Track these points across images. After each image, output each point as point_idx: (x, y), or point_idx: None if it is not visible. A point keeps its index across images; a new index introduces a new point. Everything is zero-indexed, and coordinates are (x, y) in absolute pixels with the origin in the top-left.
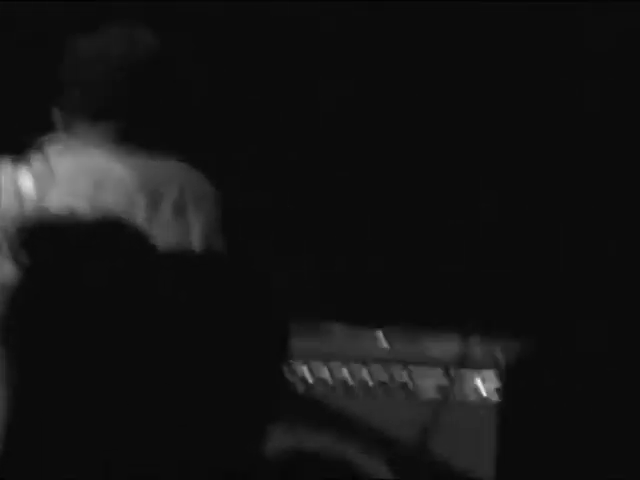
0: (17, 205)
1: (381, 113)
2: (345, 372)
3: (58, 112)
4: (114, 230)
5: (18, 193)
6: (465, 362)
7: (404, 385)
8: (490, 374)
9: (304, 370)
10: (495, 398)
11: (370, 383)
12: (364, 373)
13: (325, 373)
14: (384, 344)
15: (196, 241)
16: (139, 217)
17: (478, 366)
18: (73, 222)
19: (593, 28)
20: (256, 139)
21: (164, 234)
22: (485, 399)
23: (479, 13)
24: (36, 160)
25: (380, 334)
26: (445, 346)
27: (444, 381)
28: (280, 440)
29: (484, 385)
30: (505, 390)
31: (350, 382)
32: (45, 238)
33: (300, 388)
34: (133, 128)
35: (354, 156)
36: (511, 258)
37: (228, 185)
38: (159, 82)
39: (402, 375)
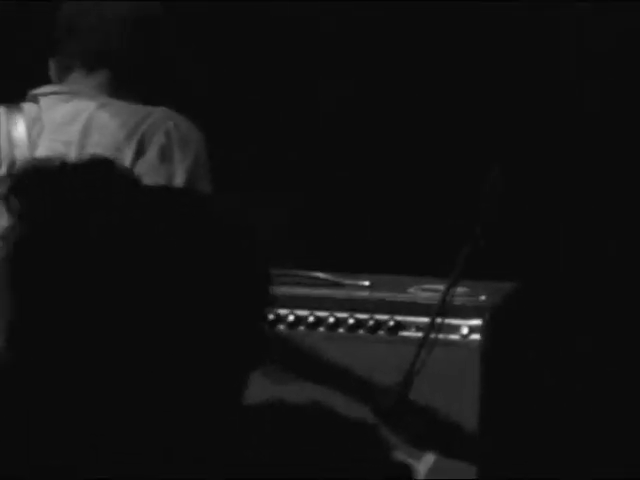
0: (8, 150)
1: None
2: (331, 318)
3: (53, 63)
4: (102, 174)
5: (10, 138)
6: (450, 306)
7: (389, 329)
8: (474, 317)
9: (290, 316)
10: (478, 339)
11: (355, 328)
12: (350, 319)
13: (310, 319)
14: (370, 290)
15: (180, 185)
16: (125, 162)
17: (463, 309)
18: (62, 167)
19: (593, 28)
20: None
21: (149, 178)
22: (468, 341)
23: (479, 13)
24: (29, 108)
25: (366, 281)
26: (430, 291)
27: (428, 325)
28: (264, 387)
29: (468, 327)
30: (488, 332)
31: (336, 327)
32: (36, 184)
33: (285, 334)
34: (124, 79)
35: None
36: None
37: (215, 132)
38: (153, 35)
39: (387, 320)
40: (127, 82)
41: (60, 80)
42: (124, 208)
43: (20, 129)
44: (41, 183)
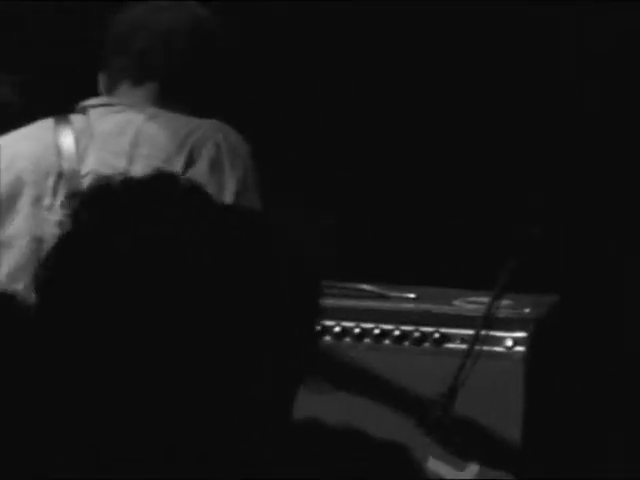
0: (56, 161)
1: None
2: (377, 330)
3: (103, 77)
4: (167, 190)
5: (58, 150)
6: (494, 318)
7: (434, 341)
8: (518, 329)
9: (336, 328)
10: (523, 351)
11: (401, 340)
12: (395, 330)
13: (356, 331)
14: (416, 302)
15: (229, 197)
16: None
17: (507, 322)
18: (127, 182)
19: (593, 28)
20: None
21: None
22: (513, 353)
23: (480, 13)
24: (77, 120)
25: (412, 293)
26: (475, 303)
27: (473, 337)
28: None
29: (512, 340)
30: (532, 344)
31: (381, 339)
32: (103, 199)
33: (332, 345)
34: (172, 91)
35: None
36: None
37: (260, 144)
38: (199, 51)
39: (432, 332)
40: (175, 94)
41: (109, 93)
42: (188, 222)
43: (68, 140)
44: (108, 199)
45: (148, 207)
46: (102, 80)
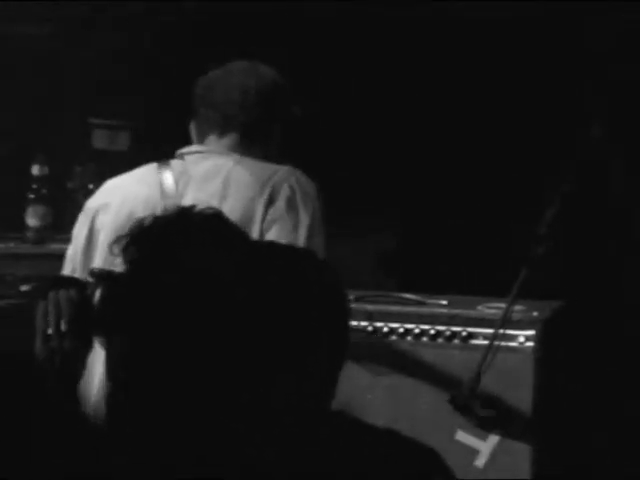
0: (160, 200)
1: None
2: (416, 329)
3: (194, 128)
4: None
5: (162, 190)
6: (509, 320)
7: (462, 338)
8: (529, 328)
9: (384, 328)
10: (532, 346)
11: (436, 337)
12: (431, 330)
13: (400, 330)
14: (447, 307)
15: (303, 230)
16: (259, 211)
17: (520, 322)
18: (176, 222)
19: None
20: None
21: (279, 225)
22: (524, 347)
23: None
24: (176, 165)
25: (444, 300)
26: (494, 308)
27: (493, 334)
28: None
29: (524, 337)
30: (540, 340)
31: (420, 337)
32: (150, 238)
33: (382, 342)
34: (250, 140)
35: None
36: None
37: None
38: (275, 106)
39: (461, 330)
40: (252, 143)
41: (199, 141)
42: (230, 259)
43: (169, 182)
44: (154, 237)
45: (194, 242)
46: (193, 129)
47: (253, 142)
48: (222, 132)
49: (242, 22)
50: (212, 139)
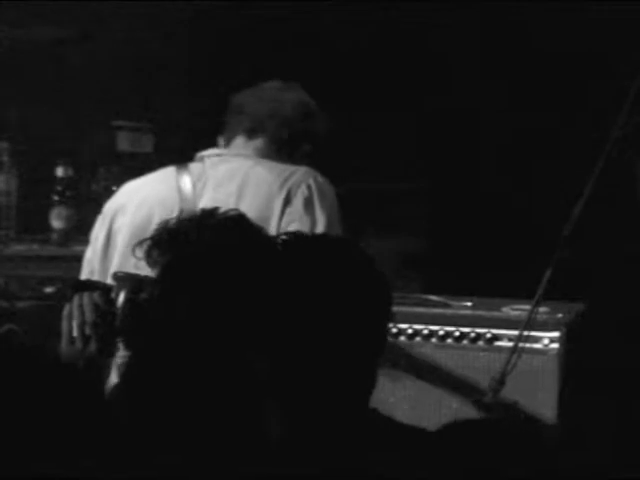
0: (178, 201)
1: None
2: (441, 331)
3: (223, 134)
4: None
5: (179, 192)
6: (534, 321)
7: (487, 340)
8: (554, 330)
9: (409, 330)
10: (557, 348)
11: (460, 339)
12: (456, 331)
13: (425, 332)
14: (472, 309)
15: (320, 229)
16: (276, 210)
17: (544, 324)
18: (197, 225)
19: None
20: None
21: (295, 225)
22: (549, 349)
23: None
24: (195, 167)
25: (469, 302)
26: (519, 310)
27: (517, 336)
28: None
29: (549, 339)
30: (564, 342)
31: (445, 338)
32: (172, 240)
33: (406, 344)
34: (276, 145)
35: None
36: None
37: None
38: (305, 126)
39: (485, 332)
40: (279, 151)
41: (227, 145)
42: (256, 257)
43: (187, 184)
44: (177, 240)
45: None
46: (221, 139)
47: (280, 150)
48: (250, 136)
49: (266, 27)
50: (238, 143)
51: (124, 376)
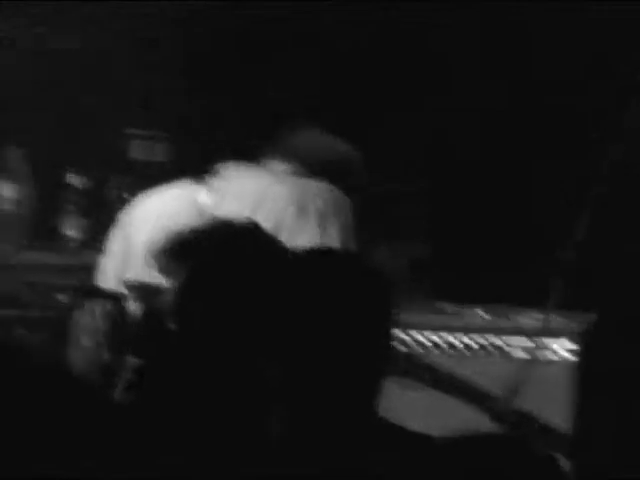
0: (195, 212)
1: None
2: (452, 339)
3: (246, 150)
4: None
5: (196, 204)
6: (548, 330)
7: (499, 349)
8: (568, 339)
9: (420, 337)
10: (571, 358)
11: (472, 347)
12: (467, 339)
13: (436, 340)
14: (484, 317)
15: (334, 240)
16: (290, 223)
17: (559, 334)
18: (208, 233)
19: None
20: None
21: (310, 237)
22: (564, 359)
23: None
24: (213, 180)
25: (481, 309)
26: (532, 318)
27: (530, 346)
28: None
29: (563, 349)
30: (579, 352)
31: (457, 346)
32: (182, 247)
33: (415, 352)
34: (301, 168)
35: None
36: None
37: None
38: (343, 172)
39: (497, 341)
40: (302, 170)
41: (249, 161)
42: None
43: (204, 197)
44: (191, 250)
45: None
46: (244, 151)
47: (302, 170)
48: (276, 156)
49: (282, 32)
50: (263, 161)
51: (135, 383)
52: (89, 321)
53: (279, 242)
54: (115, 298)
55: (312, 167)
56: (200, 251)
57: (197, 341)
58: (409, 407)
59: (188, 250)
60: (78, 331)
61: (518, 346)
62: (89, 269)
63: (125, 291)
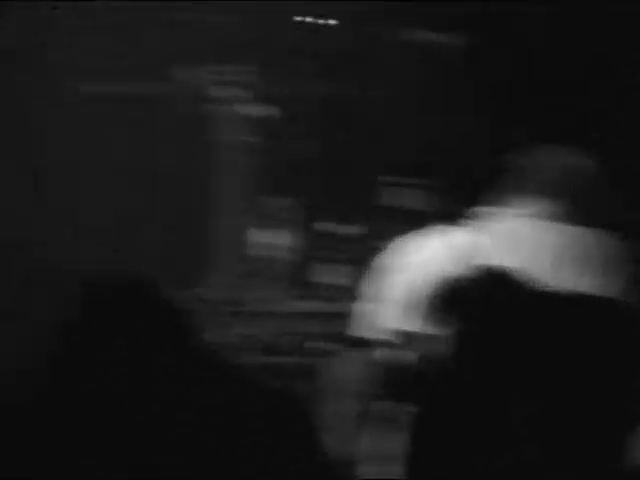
0: (457, 259)
1: None
2: None
3: (505, 191)
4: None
5: (458, 250)
6: None
7: None
8: None
9: None
10: None
11: None
12: None
13: None
14: None
15: (614, 292)
16: (564, 277)
17: None
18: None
19: None
20: None
21: (589, 287)
22: None
23: None
24: (474, 226)
25: None
26: None
27: None
28: None
29: None
30: None
31: None
32: (465, 296)
33: None
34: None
35: None
36: None
37: None
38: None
39: None
40: (563, 212)
41: (506, 205)
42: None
43: (464, 242)
44: (463, 299)
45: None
46: (501, 193)
47: (563, 212)
48: (534, 195)
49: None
50: (518, 201)
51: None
52: (351, 369)
53: (551, 290)
54: (380, 346)
55: (567, 207)
56: (473, 301)
57: (470, 386)
58: None
59: (460, 299)
60: (337, 379)
61: None
62: (345, 316)
63: (391, 339)
